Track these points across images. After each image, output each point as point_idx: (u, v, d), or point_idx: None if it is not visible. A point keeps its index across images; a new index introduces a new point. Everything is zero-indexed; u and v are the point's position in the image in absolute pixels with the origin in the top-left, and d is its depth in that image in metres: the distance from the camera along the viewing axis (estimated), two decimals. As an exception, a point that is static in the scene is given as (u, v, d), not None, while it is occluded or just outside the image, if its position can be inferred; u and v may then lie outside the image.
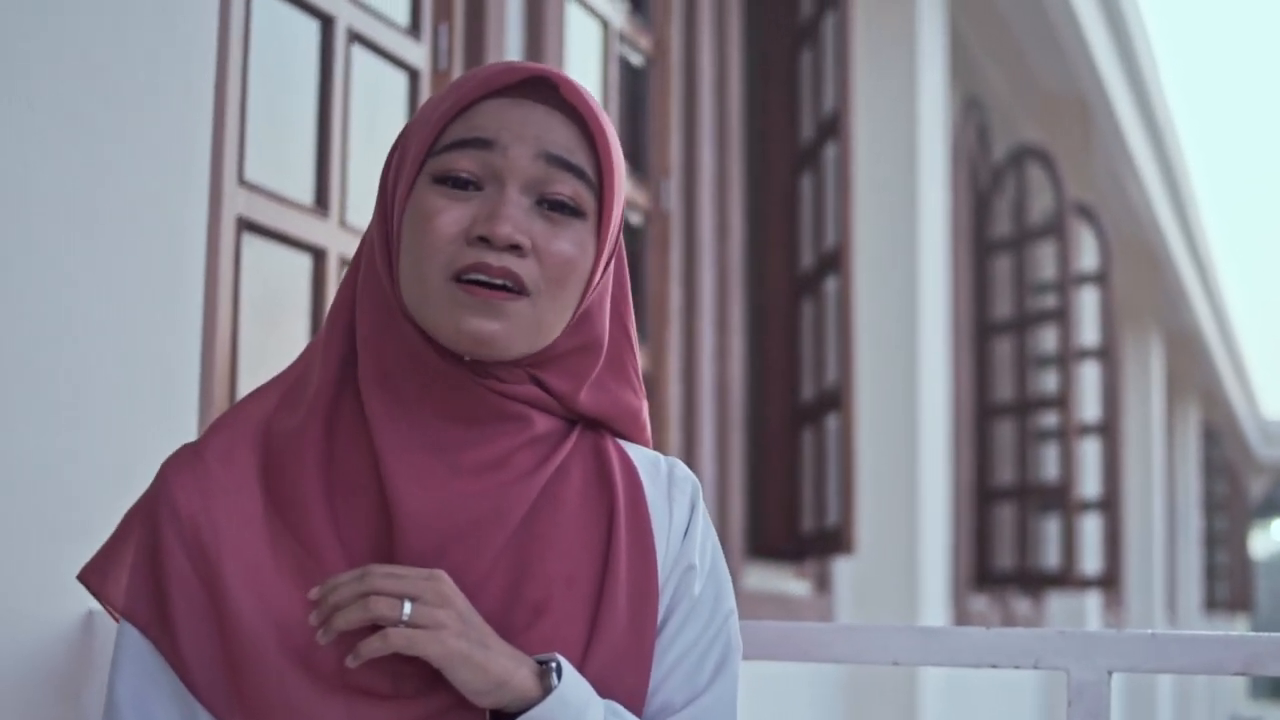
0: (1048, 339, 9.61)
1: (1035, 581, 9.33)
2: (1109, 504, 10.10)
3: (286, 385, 1.84)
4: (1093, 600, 10.88)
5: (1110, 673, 2.18)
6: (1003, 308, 9.48)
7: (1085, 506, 9.84)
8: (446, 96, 1.75)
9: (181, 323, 2.72)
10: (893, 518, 6.65)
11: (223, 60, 3.10)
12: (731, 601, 1.84)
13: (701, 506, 1.87)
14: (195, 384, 2.77)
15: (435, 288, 1.69)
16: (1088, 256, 10.44)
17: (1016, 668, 2.22)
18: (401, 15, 3.93)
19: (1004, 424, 9.38)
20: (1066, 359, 9.16)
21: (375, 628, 1.63)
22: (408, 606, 1.61)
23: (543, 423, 1.76)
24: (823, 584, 6.51)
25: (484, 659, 1.62)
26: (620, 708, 1.70)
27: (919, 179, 6.85)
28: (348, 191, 3.64)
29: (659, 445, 3.98)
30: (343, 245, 3.61)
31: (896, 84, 6.91)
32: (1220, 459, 23.32)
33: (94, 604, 2.51)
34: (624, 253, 1.85)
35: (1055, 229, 9.23)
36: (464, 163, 1.71)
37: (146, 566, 1.73)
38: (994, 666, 2.21)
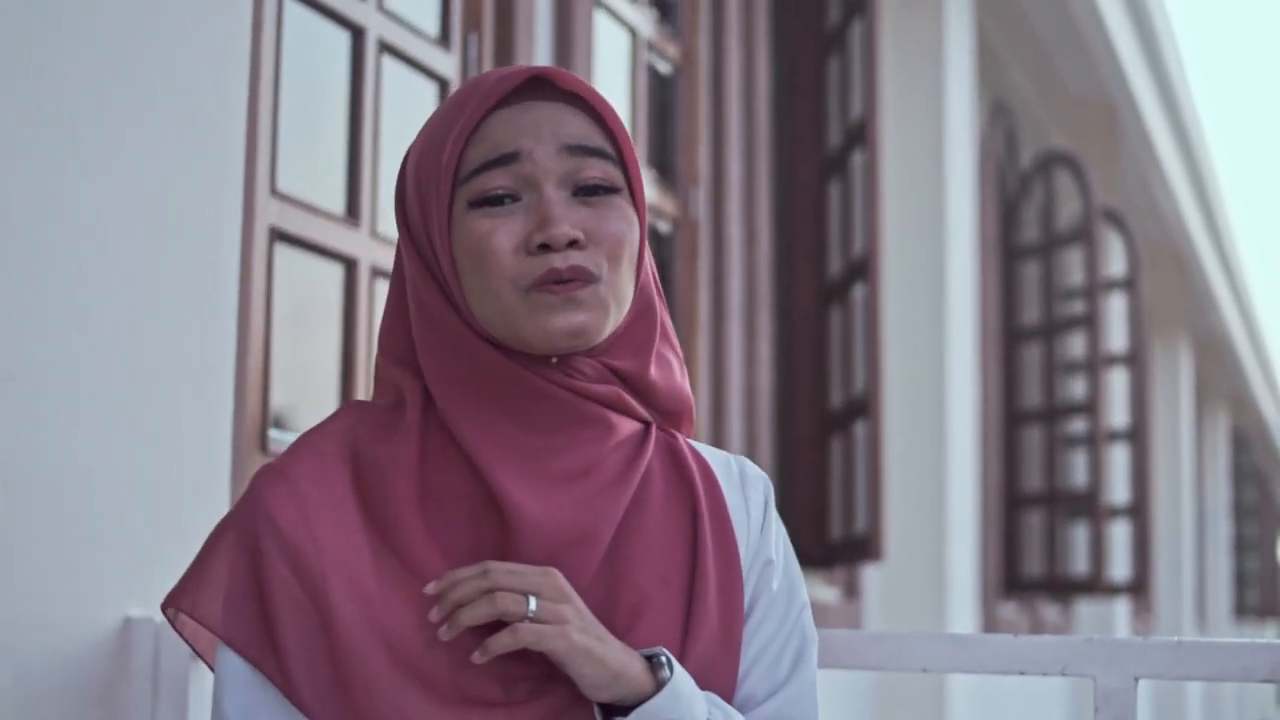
0: (1076, 345, 9.61)
1: (1064, 588, 9.33)
2: (1138, 510, 10.09)
3: (360, 410, 1.84)
4: (1121, 607, 10.86)
5: (1137, 680, 2.19)
6: (1031, 314, 9.48)
7: (1114, 513, 9.84)
8: (451, 122, 1.78)
9: (216, 332, 2.75)
10: (921, 524, 6.66)
11: (255, 71, 3.13)
12: (804, 595, 1.90)
13: (773, 503, 1.92)
14: (230, 393, 2.79)
15: (513, 302, 1.72)
16: (1116, 262, 10.44)
17: (1045, 675, 2.23)
18: (431, 25, 3.95)
19: (1032, 430, 9.38)
20: (1095, 365, 9.16)
21: (491, 626, 1.67)
22: (533, 602, 1.65)
23: (623, 427, 1.80)
24: (851, 591, 6.52)
25: (603, 653, 1.67)
26: (719, 699, 1.75)
27: (947, 185, 6.86)
28: (378, 201, 3.66)
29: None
30: (374, 255, 3.63)
31: (924, 91, 6.92)
32: (1249, 465, 23.28)
33: (131, 611, 2.53)
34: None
35: (1083, 235, 9.23)
36: (496, 181, 1.74)
37: (247, 586, 1.73)
38: (1022, 674, 2.22)
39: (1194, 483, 16.45)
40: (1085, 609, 10.54)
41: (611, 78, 4.79)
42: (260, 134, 3.20)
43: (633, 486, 1.77)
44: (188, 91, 2.69)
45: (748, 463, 1.95)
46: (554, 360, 1.76)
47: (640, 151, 4.90)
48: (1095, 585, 9.07)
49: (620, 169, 1.79)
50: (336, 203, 3.57)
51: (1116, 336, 10.40)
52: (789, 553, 1.91)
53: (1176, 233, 12.73)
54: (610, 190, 1.77)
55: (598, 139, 1.78)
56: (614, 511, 1.75)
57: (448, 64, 3.97)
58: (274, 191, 3.31)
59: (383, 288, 3.70)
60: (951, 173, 6.93)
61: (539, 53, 4.37)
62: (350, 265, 3.58)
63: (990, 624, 8.36)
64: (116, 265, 2.51)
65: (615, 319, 1.77)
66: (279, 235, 3.34)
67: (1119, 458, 10.40)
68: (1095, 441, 9.08)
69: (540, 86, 1.78)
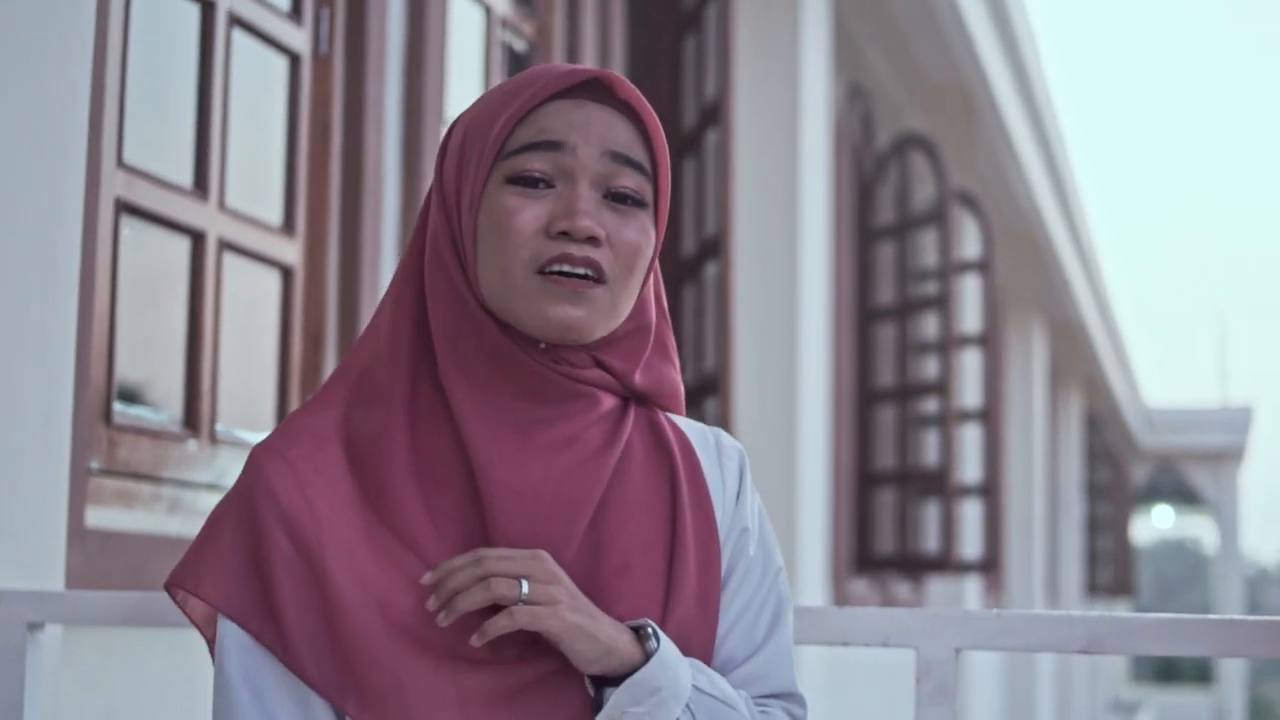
0: (929, 326, 9.70)
1: (915, 565, 9.43)
2: (989, 489, 10.19)
3: (348, 385, 1.89)
4: (973, 584, 10.99)
5: (958, 651, 2.24)
6: (885, 294, 9.55)
7: (965, 491, 9.95)
8: (507, 101, 1.84)
9: (58, 304, 2.75)
10: (772, 501, 6.71)
11: (101, 42, 3.12)
12: (779, 560, 1.98)
13: (749, 472, 2.00)
14: (70, 365, 2.80)
15: (520, 281, 1.79)
16: (970, 244, 10.54)
17: (867, 645, 2.28)
18: (283, -1, 3.95)
19: (885, 409, 9.46)
20: (948, 346, 9.24)
21: (491, 609, 1.74)
22: (525, 585, 1.73)
23: (605, 401, 1.87)
24: (702, 566, 6.54)
25: (594, 629, 1.75)
26: (702, 664, 1.84)
27: (801, 166, 6.91)
28: (227, 174, 3.66)
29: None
30: (221, 228, 3.63)
31: (780, 71, 6.96)
32: (1103, 446, 23.57)
33: (-34, 581, 2.53)
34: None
35: (937, 217, 9.30)
36: (537, 164, 1.81)
37: (247, 559, 1.80)
38: (845, 644, 2.28)
39: (1047, 463, 16.65)
40: (937, 586, 10.66)
41: (466, 55, 4.80)
42: (107, 106, 3.19)
43: (615, 457, 1.85)
44: (30, 61, 2.68)
45: (723, 434, 2.02)
46: (542, 346, 1.83)
47: (494, 128, 4.92)
48: (946, 563, 9.18)
49: (652, 186, 1.86)
50: (185, 176, 3.57)
51: (970, 318, 10.51)
52: (764, 520, 1.99)
53: (1031, 216, 12.86)
54: (638, 203, 1.85)
55: (639, 152, 1.85)
56: (598, 482, 1.82)
57: (299, 38, 3.97)
58: (120, 163, 3.31)
59: (231, 261, 3.70)
60: (807, 153, 6.97)
61: (392, 29, 4.38)
62: (198, 238, 3.58)
63: (842, 600, 8.44)
64: (-44, 235, 2.51)
65: (610, 325, 1.84)
66: (125, 207, 3.34)
67: (972, 437, 10.52)
68: (947, 421, 9.17)
69: (598, 89, 1.85)
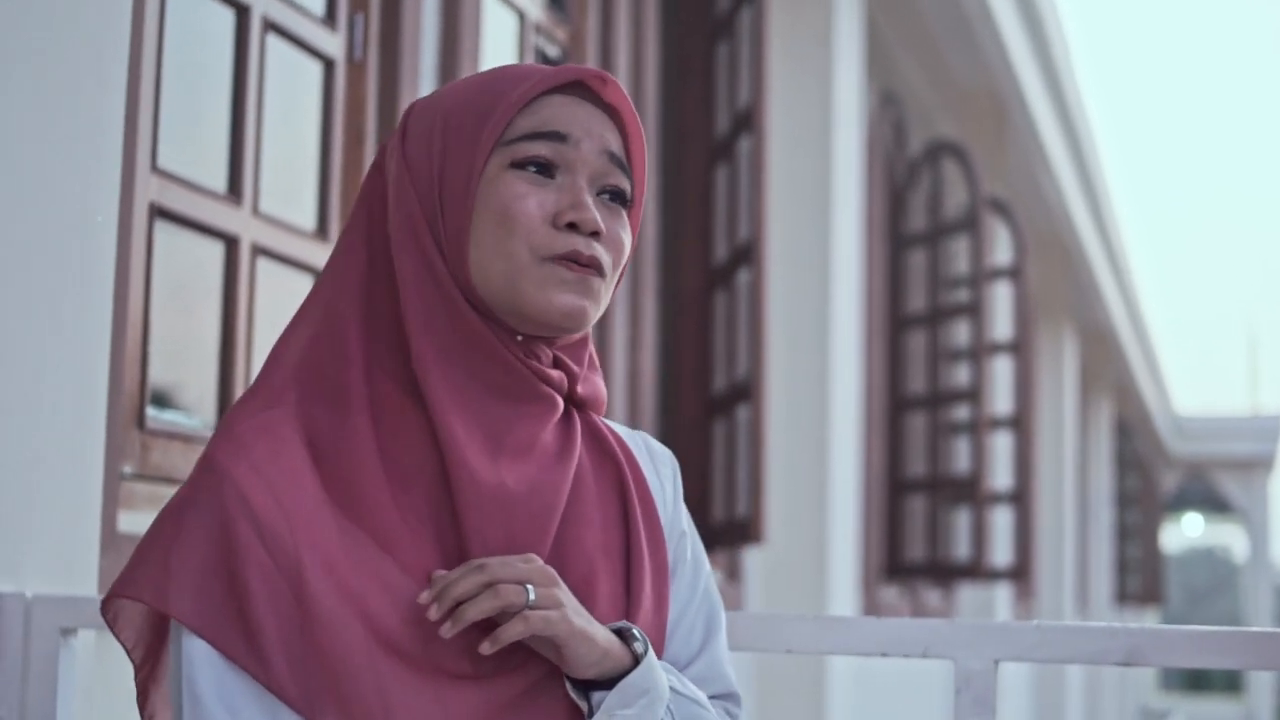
0: (961, 333, 9.68)
1: (945, 573, 9.41)
2: (1020, 497, 10.18)
3: (291, 376, 1.81)
4: (1003, 592, 10.96)
5: (996, 662, 2.23)
6: (916, 301, 9.54)
7: (996, 499, 9.92)
8: (503, 87, 1.82)
9: (91, 309, 2.74)
10: (803, 508, 6.70)
11: (136, 47, 3.12)
12: (709, 564, 1.99)
13: (680, 478, 2.02)
14: (104, 370, 2.79)
15: (525, 265, 1.77)
16: (1002, 251, 10.52)
17: (906, 657, 2.27)
18: (317, 5, 3.95)
19: (916, 417, 9.44)
20: (979, 353, 9.22)
21: (483, 620, 1.70)
22: (531, 591, 1.70)
23: (559, 406, 1.85)
24: (733, 573, 6.55)
25: (594, 633, 1.73)
26: (670, 666, 1.85)
27: (834, 172, 6.90)
28: (261, 179, 3.66)
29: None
30: (255, 233, 3.63)
31: (812, 78, 6.95)
32: (1133, 454, 23.50)
33: (1, 586, 2.52)
34: None
35: (969, 224, 9.29)
36: (542, 152, 1.80)
37: (219, 571, 1.69)
38: (884, 655, 2.26)
39: (1077, 470, 16.62)
40: (967, 594, 10.63)
41: (499, 60, 4.79)
42: (141, 111, 3.19)
43: (573, 463, 1.83)
44: (65, 66, 2.68)
45: (652, 439, 2.04)
46: (519, 338, 1.81)
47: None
48: (977, 570, 9.16)
49: (632, 190, 1.87)
50: (219, 181, 3.57)
51: (1001, 325, 10.48)
52: (692, 525, 2.00)
53: (1062, 223, 12.84)
54: (623, 204, 1.86)
55: (624, 155, 1.86)
56: (562, 487, 1.80)
57: (333, 44, 3.97)
58: (155, 168, 3.31)
59: (264, 266, 3.70)
60: (839, 160, 6.96)
61: (426, 34, 4.37)
62: (231, 243, 3.58)
63: (872, 607, 8.42)
64: (-9, 240, 2.51)
65: (597, 317, 1.84)
66: (159, 212, 3.33)
67: (1002, 445, 10.49)
68: (978, 428, 9.15)
69: (587, 89, 1.85)
